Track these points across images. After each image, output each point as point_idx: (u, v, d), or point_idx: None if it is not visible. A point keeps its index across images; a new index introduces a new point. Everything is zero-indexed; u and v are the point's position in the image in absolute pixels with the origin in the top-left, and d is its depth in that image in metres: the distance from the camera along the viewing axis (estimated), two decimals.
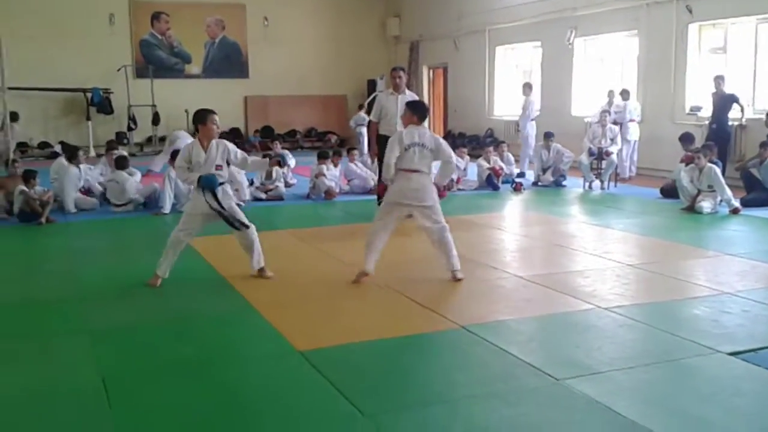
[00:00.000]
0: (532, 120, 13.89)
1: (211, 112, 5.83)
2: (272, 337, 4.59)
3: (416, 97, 9.18)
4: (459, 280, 5.81)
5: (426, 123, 6.01)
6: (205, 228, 6.05)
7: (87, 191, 10.24)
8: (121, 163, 10.03)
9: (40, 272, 6.58)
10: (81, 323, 4.97)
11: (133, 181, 9.94)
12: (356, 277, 5.84)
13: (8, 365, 4.25)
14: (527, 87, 14.12)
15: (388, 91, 9.15)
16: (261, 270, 6.02)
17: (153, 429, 3.36)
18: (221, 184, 5.81)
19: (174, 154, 8.54)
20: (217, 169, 5.77)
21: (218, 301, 5.54)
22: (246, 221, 5.94)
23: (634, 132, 12.85)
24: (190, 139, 13.33)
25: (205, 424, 3.41)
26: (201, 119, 5.77)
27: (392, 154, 5.71)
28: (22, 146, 17.55)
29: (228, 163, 5.88)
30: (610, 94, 13.24)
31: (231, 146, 5.92)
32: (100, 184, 10.39)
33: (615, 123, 12.44)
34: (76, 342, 4.56)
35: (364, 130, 14.02)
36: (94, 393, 3.74)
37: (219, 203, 5.74)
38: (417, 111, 5.91)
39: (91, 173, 10.76)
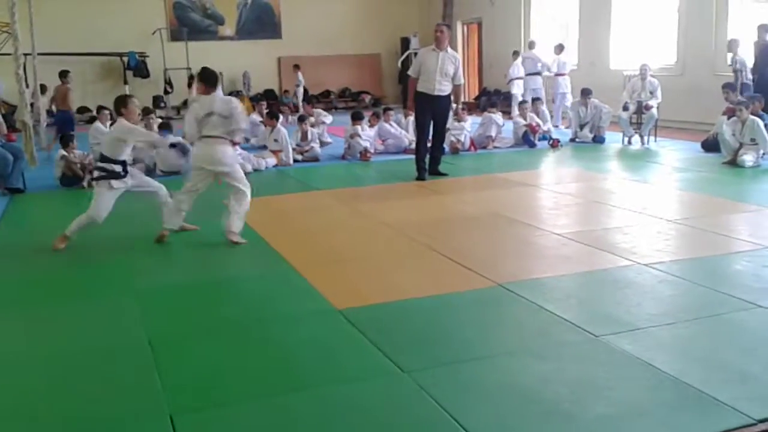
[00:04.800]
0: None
1: (130, 96, 6.39)
2: (311, 296, 4.65)
3: (458, 56, 9.09)
4: (234, 243, 5.96)
5: (219, 89, 6.17)
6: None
7: (134, 160, 10.30)
8: (166, 127, 10.32)
9: (84, 235, 6.70)
10: (126, 284, 5.08)
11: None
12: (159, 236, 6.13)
13: (57, 325, 4.37)
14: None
15: (430, 48, 8.99)
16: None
17: (200, 386, 3.44)
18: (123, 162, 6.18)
19: None
20: None
21: (258, 261, 5.62)
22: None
23: (564, 85, 14.44)
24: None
25: (250, 381, 3.48)
26: (123, 104, 6.13)
27: (191, 127, 6.01)
28: None
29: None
30: (556, 49, 14.58)
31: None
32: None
33: (560, 74, 14.36)
34: (123, 303, 4.67)
35: None
36: (141, 353, 3.84)
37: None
38: (205, 80, 6.09)
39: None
